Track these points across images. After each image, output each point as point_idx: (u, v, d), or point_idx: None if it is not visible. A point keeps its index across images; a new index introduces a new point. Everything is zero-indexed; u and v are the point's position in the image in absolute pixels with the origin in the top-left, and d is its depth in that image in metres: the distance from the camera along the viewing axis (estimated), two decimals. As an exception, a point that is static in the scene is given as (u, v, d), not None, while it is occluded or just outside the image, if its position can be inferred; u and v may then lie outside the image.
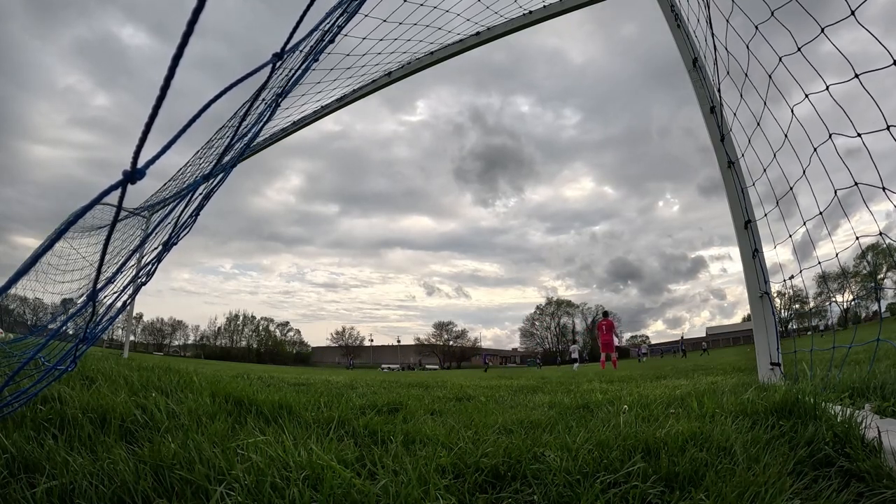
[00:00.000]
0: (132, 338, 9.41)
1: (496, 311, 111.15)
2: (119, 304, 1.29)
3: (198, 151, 5.03)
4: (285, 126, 5.35)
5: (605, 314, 16.22)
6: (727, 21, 2.26)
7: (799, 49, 1.91)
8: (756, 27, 2.06)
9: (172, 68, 0.53)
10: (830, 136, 1.74)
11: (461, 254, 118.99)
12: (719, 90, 2.55)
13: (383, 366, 43.71)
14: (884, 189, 1.56)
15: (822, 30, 1.74)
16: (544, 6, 3.84)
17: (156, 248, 1.20)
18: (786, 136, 2.01)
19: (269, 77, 0.95)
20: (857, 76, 1.62)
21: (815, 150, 1.82)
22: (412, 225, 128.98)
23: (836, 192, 1.76)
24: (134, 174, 0.57)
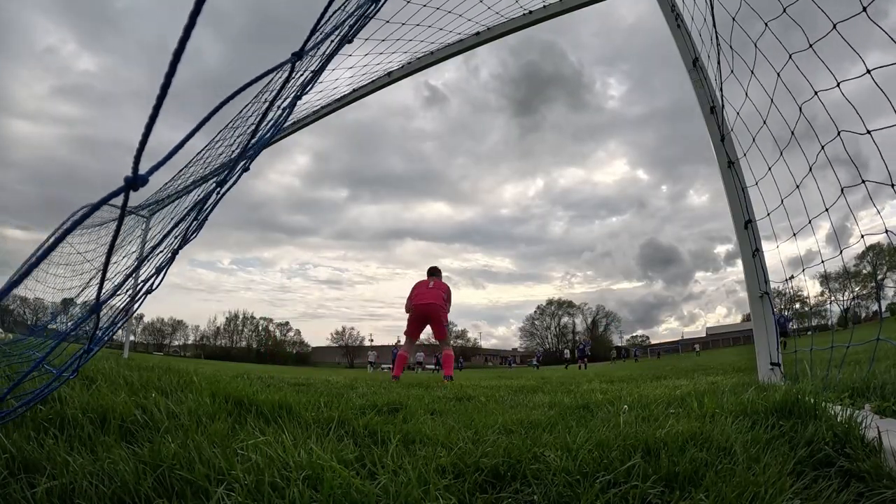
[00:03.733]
0: (132, 338, 9.42)
1: (504, 309, 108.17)
2: (125, 310, 1.29)
3: (200, 151, 5.02)
4: (285, 126, 5.35)
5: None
6: (733, 19, 2.26)
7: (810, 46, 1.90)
8: (766, 24, 2.04)
9: (170, 74, 0.52)
10: (839, 133, 1.69)
11: (474, 246, 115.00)
12: (721, 89, 2.55)
13: (383, 366, 43.68)
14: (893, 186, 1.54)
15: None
16: (544, 6, 3.84)
17: (163, 253, 1.18)
18: (792, 133, 2.00)
19: (288, 78, 0.92)
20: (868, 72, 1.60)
21: (822, 147, 1.79)
22: (426, 212, 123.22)
23: (842, 189, 1.74)
24: (136, 181, 0.55)
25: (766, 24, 2.05)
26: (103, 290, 0.74)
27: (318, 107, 5.06)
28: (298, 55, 0.83)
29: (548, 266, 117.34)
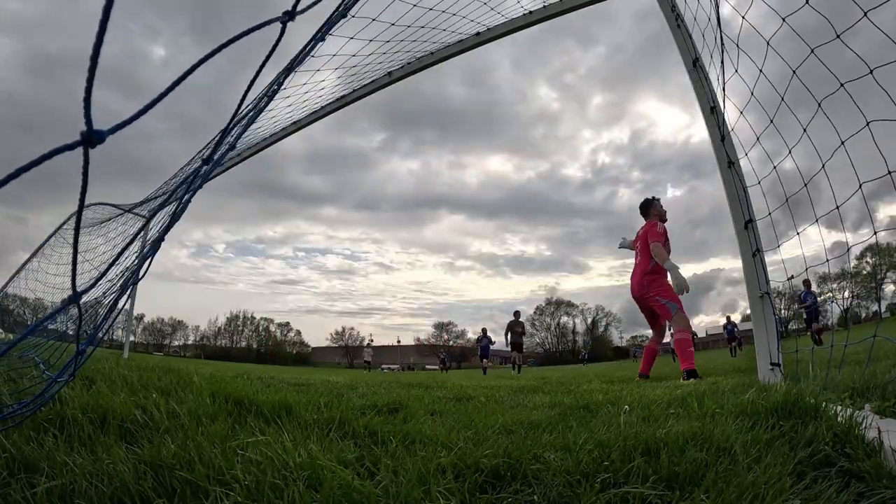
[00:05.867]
0: (132, 338, 9.41)
1: (524, 304, 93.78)
2: (116, 305, 1.28)
3: (201, 150, 5.02)
4: (286, 125, 5.35)
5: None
6: (743, 17, 2.25)
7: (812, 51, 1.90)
8: (783, 19, 2.03)
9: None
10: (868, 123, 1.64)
11: (518, 224, 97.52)
12: (724, 89, 2.55)
13: (383, 366, 43.62)
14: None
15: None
16: (544, 6, 3.84)
17: (145, 246, 1.17)
18: (804, 130, 1.99)
19: (278, 40, 0.85)
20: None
21: (842, 142, 1.77)
22: (476, 171, 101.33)
23: (860, 185, 1.71)
24: (92, 135, 0.47)
25: (783, 19, 2.04)
26: (96, 282, 0.72)
27: (319, 106, 5.06)
28: (290, 14, 0.77)
29: (592, 251, 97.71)
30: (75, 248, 0.66)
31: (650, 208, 4.68)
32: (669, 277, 4.34)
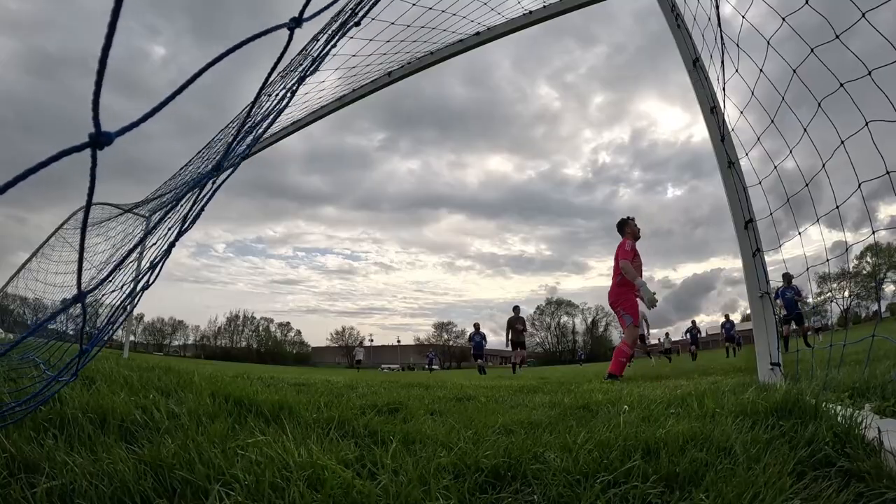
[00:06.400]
0: (132, 338, 9.41)
1: (525, 303, 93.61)
2: (122, 307, 1.28)
3: (200, 150, 5.02)
4: (286, 125, 5.35)
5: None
6: (743, 17, 2.25)
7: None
8: (783, 19, 2.03)
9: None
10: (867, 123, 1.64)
11: (518, 224, 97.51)
12: (724, 89, 2.55)
13: (383, 366, 43.56)
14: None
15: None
16: (544, 6, 3.84)
17: (156, 247, 1.17)
18: (805, 129, 1.99)
19: (286, 48, 0.84)
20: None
21: (842, 142, 1.76)
22: (477, 169, 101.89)
23: (859, 185, 1.71)
24: (99, 137, 0.48)
25: (783, 19, 2.04)
26: (85, 283, 0.72)
27: (318, 106, 5.06)
28: (297, 21, 0.75)
29: (592, 251, 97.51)
30: (81, 248, 0.65)
31: (625, 227, 5.27)
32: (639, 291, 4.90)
